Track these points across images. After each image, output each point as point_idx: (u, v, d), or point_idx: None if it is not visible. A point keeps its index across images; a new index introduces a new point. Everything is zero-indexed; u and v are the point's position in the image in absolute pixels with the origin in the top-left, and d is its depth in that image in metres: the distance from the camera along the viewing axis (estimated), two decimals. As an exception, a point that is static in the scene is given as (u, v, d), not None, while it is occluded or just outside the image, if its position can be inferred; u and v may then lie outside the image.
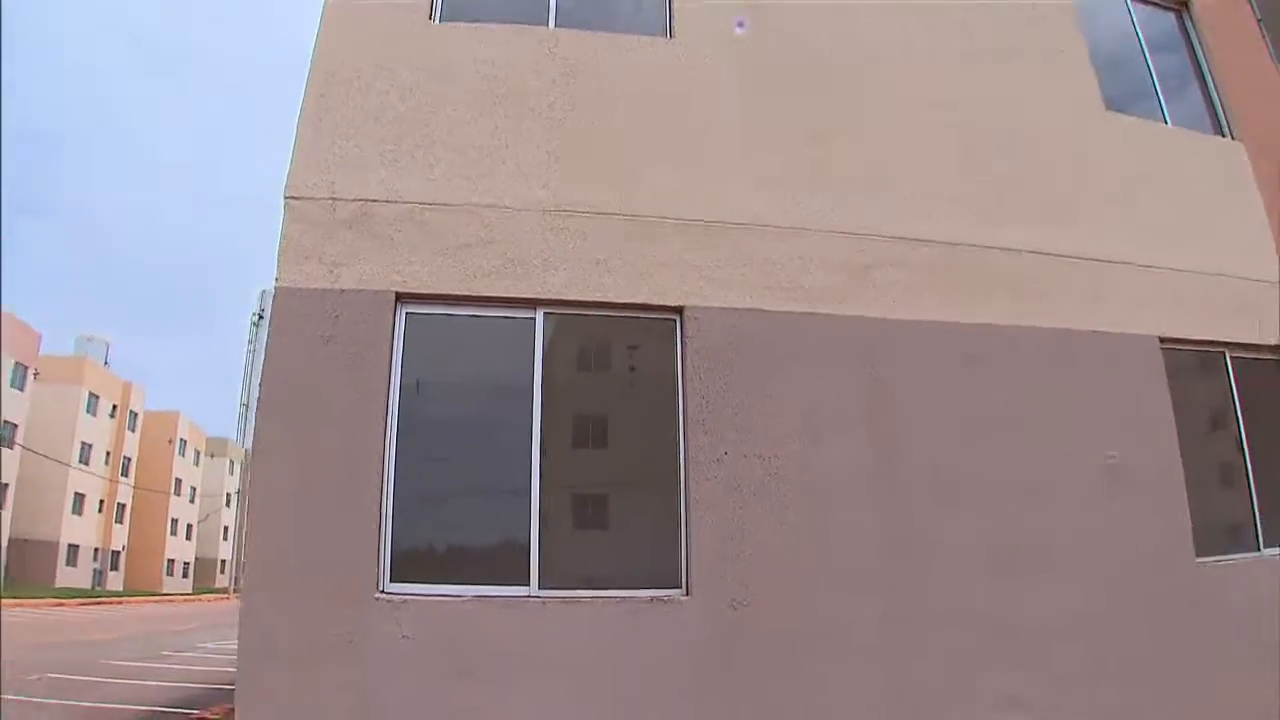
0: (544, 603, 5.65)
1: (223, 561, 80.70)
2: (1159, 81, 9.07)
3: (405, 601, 5.54)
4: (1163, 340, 7.70)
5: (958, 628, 6.32)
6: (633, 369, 6.71)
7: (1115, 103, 8.52)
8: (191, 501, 75.47)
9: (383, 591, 5.57)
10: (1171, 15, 9.69)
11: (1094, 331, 7.40)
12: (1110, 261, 7.68)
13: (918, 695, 6.12)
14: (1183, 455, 7.56)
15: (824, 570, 6.09)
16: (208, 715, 10.00)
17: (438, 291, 5.99)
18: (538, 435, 5.94)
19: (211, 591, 67.18)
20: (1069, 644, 6.62)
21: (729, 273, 6.42)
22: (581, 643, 5.61)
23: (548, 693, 5.52)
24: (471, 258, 6.05)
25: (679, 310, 6.30)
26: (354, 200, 6.07)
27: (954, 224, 7.22)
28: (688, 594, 5.84)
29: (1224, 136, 9.14)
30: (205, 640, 20.92)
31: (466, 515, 6.08)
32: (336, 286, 5.91)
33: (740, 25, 7.60)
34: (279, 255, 5.95)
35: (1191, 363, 8.09)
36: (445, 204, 6.14)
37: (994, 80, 7.94)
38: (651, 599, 5.79)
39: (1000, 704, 6.29)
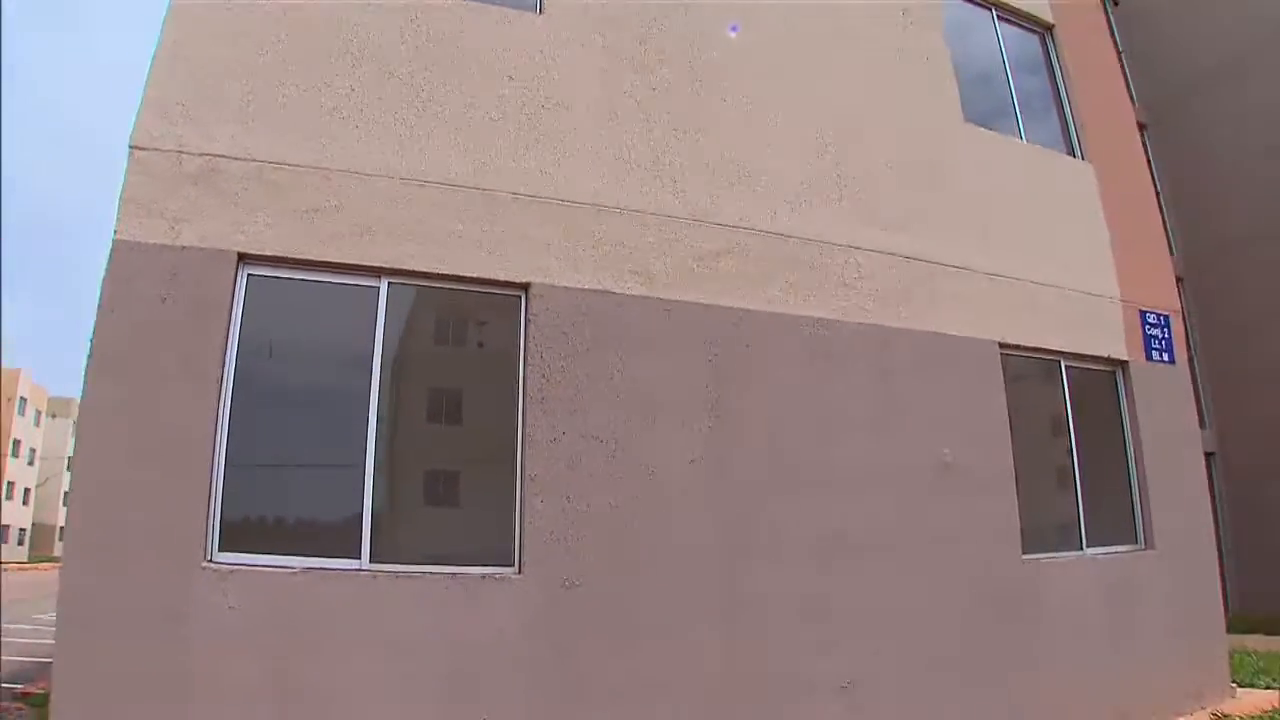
0: (374, 576, 5.54)
1: (61, 528, 76.95)
2: (1019, 99, 9.42)
3: (233, 571, 5.35)
4: (1002, 346, 8.04)
5: (789, 613, 6.47)
6: (481, 345, 6.64)
7: (975, 116, 8.83)
8: (30, 464, 71.79)
9: (210, 561, 5.37)
10: (1036, 38, 10.07)
11: (936, 333, 7.67)
12: (957, 267, 7.98)
13: (750, 677, 6.24)
14: (1020, 457, 7.90)
15: (658, 553, 6.13)
16: (33, 690, 9.55)
17: (282, 254, 5.79)
18: (375, 407, 5.80)
19: (50, 560, 64.14)
20: (898, 631, 6.88)
21: (577, 252, 6.39)
22: (412, 618, 5.51)
23: (377, 667, 5.41)
24: (319, 221, 5.86)
25: (525, 287, 6.24)
26: (201, 155, 5.82)
27: (806, 220, 7.36)
28: (520, 572, 5.81)
29: (1076, 157, 9.56)
30: (39, 612, 19.98)
31: (301, 485, 5.91)
32: (177, 243, 5.66)
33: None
34: (119, 207, 5.67)
35: (1036, 369, 8.46)
36: (295, 165, 5.92)
37: (858, 83, 8.12)
38: (484, 576, 5.73)
39: (831, 687, 6.48)
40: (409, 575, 5.59)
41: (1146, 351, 9.08)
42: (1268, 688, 9.27)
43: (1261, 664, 10.50)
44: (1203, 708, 8.39)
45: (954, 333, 7.75)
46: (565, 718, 5.71)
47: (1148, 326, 9.18)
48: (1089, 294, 8.82)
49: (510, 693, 5.62)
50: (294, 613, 5.39)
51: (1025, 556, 7.65)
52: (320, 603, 5.43)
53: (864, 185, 7.77)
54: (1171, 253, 17.97)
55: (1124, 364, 8.96)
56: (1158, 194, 17.91)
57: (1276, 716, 7.61)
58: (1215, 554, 9.31)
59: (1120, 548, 8.55)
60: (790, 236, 7.21)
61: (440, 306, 6.37)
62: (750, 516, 6.49)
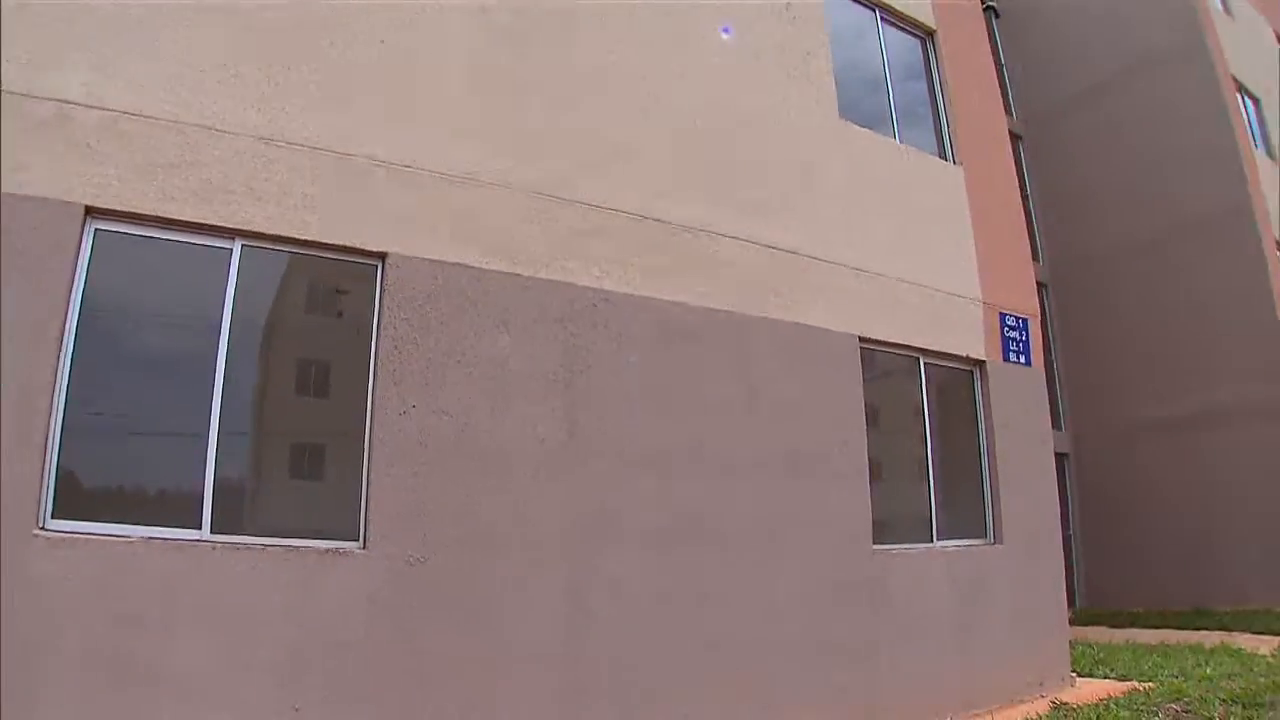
0: (214, 548, 5.35)
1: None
2: (896, 100, 9.64)
3: (67, 539, 5.12)
4: (862, 340, 8.23)
5: (640, 597, 6.48)
6: (340, 315, 6.45)
7: (851, 114, 8.99)
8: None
9: (42, 528, 5.12)
10: (918, 42, 10.30)
11: (798, 324, 7.78)
12: (822, 260, 8.13)
13: (598, 660, 6.23)
14: (876, 450, 8.10)
15: (506, 533, 6.07)
16: None
17: (132, 209, 5.51)
18: (222, 374, 5.61)
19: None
20: (749, 617, 6.96)
21: (438, 224, 6.26)
22: (251, 592, 5.34)
23: (214, 642, 5.22)
24: (173, 177, 5.61)
25: (381, 256, 6.07)
26: (52, 100, 5.53)
27: (674, 205, 7.36)
28: (364, 547, 5.67)
29: (947, 161, 9.83)
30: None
31: (142, 452, 5.68)
32: (21, 192, 5.39)
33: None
34: (-40, 152, 5.36)
35: (895, 364, 8.68)
36: (151, 117, 5.64)
37: (736, 73, 8.16)
38: (326, 550, 5.58)
39: (673, 672, 6.52)
40: (249, 547, 5.41)
41: (1004, 353, 9.41)
42: (1105, 677, 9.66)
43: (1101, 655, 10.97)
44: (1044, 695, 8.73)
45: (815, 324, 7.88)
46: (406, 697, 5.59)
47: (1007, 329, 9.50)
48: (951, 294, 9.11)
49: (350, 671, 5.47)
50: (131, 583, 5.17)
51: (876, 547, 7.85)
52: (158, 574, 5.22)
53: (734, 174, 7.83)
54: (1038, 260, 18.70)
55: (981, 364, 9.26)
56: (1027, 203, 18.60)
57: (1112, 705, 7.89)
58: (1061, 550, 9.72)
59: (970, 541, 8.85)
60: (657, 220, 7.22)
61: (297, 273, 6.16)
62: (603, 499, 6.47)
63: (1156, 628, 14.04)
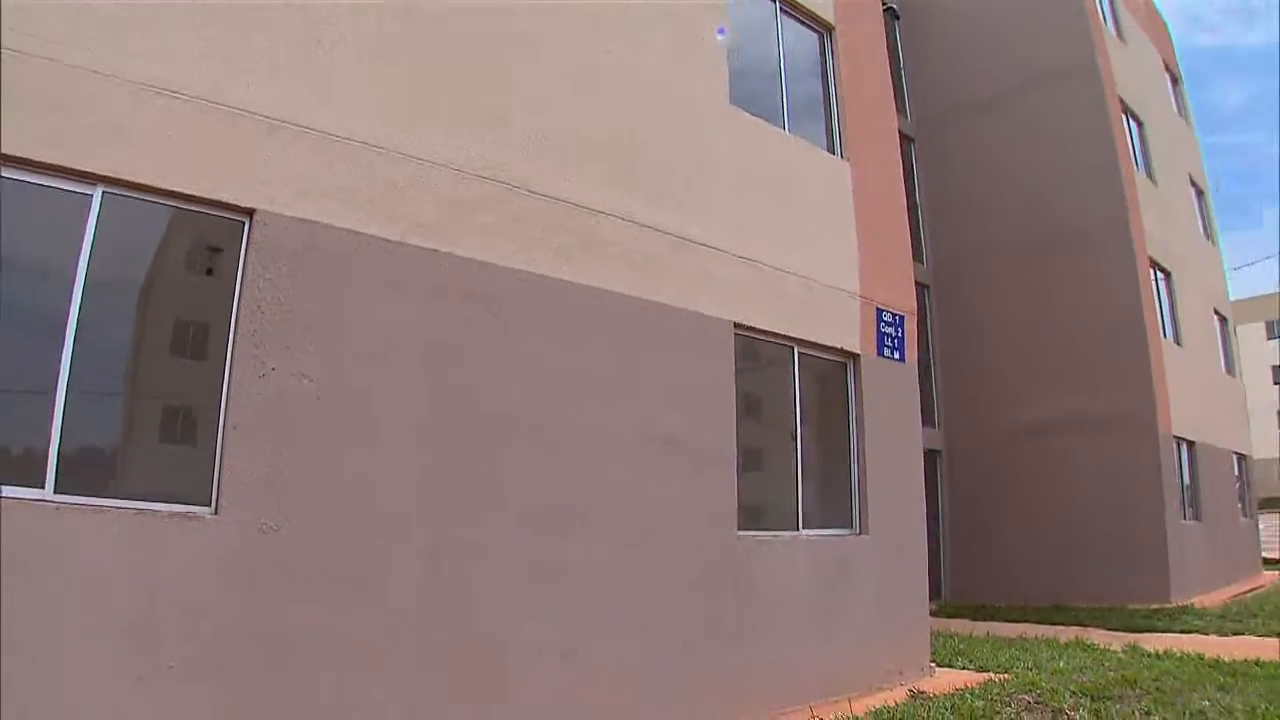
0: (58, 509, 5.11)
1: None
2: (789, 92, 9.73)
3: (-109, 495, 4.85)
4: (738, 327, 8.30)
5: (507, 575, 6.42)
6: (209, 272, 6.22)
7: (744, 103, 9.03)
8: None
9: None
10: (815, 36, 10.42)
11: (676, 307, 7.81)
12: (705, 245, 8.17)
13: (460, 637, 6.14)
14: (746, 437, 8.20)
15: (368, 503, 5.92)
16: None
17: (-12, 148, 5.25)
18: (73, 328, 5.35)
19: None
20: (615, 600, 6.98)
21: (312, 184, 6.02)
22: (96, 555, 5.09)
23: (59, 604, 4.99)
24: (38, 116, 5.33)
25: (250, 213, 5.81)
26: (-105, 31, 5.22)
27: (565, 182, 7.29)
28: (217, 513, 5.46)
29: (835, 155, 9.97)
30: None
31: (-16, 407, 5.43)
32: None
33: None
34: None
35: (770, 353, 8.79)
36: (17, 51, 5.35)
37: (633, 55, 8.11)
38: (175, 515, 5.33)
39: (545, 653, 6.49)
40: (96, 510, 5.17)
41: (879, 347, 9.62)
42: (964, 668, 9.97)
43: (961, 647, 11.30)
44: (903, 684, 8.98)
45: (693, 309, 7.92)
46: (257, 668, 5.41)
47: (883, 324, 9.71)
48: (830, 287, 9.27)
49: (199, 639, 5.26)
50: (-33, 543, 4.94)
51: (742, 533, 7.94)
52: (-1, 533, 4.99)
53: (623, 155, 7.80)
54: (922, 261, 19.18)
55: (856, 357, 9.45)
56: (915, 204, 19.07)
57: (967, 695, 8.13)
58: (924, 543, 9.97)
59: (836, 531, 9.05)
60: (544, 195, 7.13)
61: (173, 228, 5.90)
62: (473, 474, 6.38)
63: (1017, 622, 14.52)
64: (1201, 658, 9.99)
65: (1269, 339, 76.02)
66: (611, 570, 7.01)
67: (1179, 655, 10.21)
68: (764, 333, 8.60)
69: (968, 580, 18.16)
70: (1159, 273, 18.85)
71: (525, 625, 6.45)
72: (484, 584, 6.32)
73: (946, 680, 9.19)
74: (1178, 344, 19.01)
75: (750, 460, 8.44)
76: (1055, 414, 17.67)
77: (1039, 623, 14.35)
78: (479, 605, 6.26)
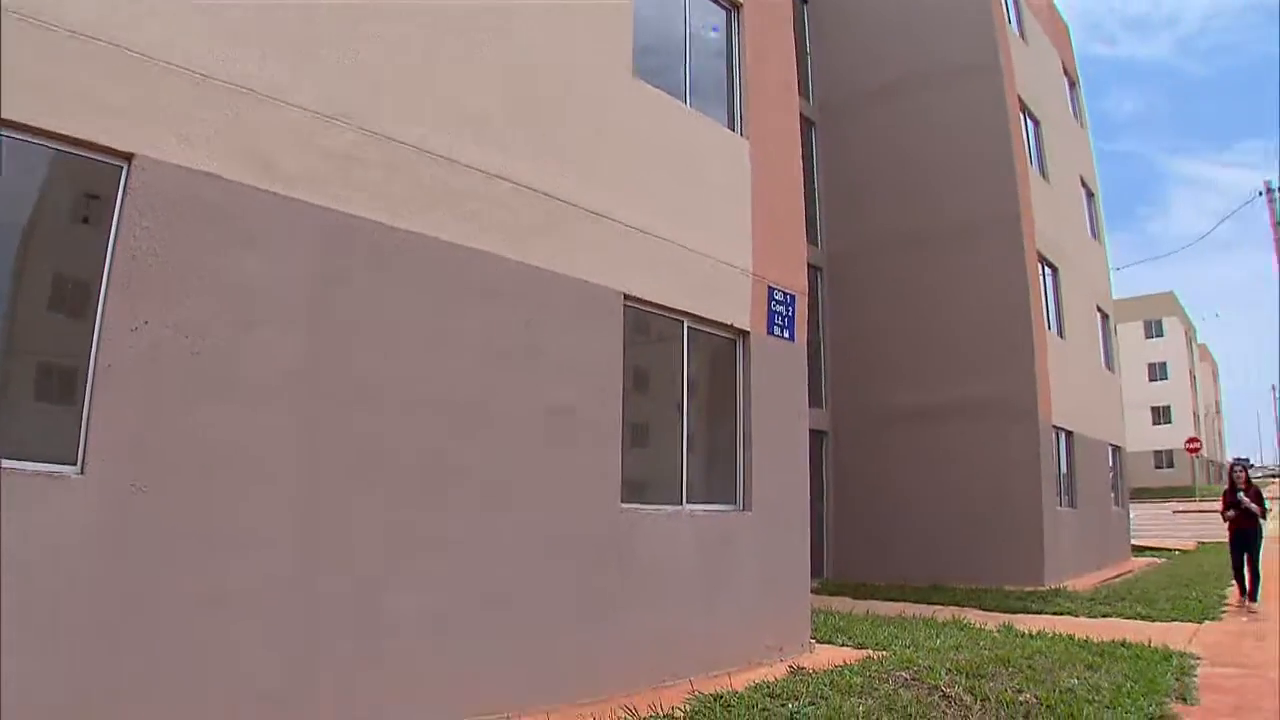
0: (-85, 467, 4.83)
1: None
2: (692, 66, 9.71)
3: None
4: (628, 298, 8.28)
5: (378, 542, 6.28)
6: (85, 220, 5.92)
7: (648, 75, 8.99)
8: None
9: None
10: (724, 13, 10.41)
11: (565, 275, 7.71)
12: (599, 214, 8.11)
13: (329, 603, 5.99)
14: (632, 410, 8.20)
15: (240, 464, 5.71)
16: None
17: None
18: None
19: None
20: (491, 569, 6.90)
21: (194, 129, 5.73)
22: None
23: None
24: None
25: (128, 158, 5.50)
26: None
27: (452, 140, 7.11)
28: (83, 472, 5.20)
29: (735, 132, 10.01)
30: None
31: None
32: None
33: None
34: None
35: (660, 326, 8.82)
36: None
37: (536, 17, 7.94)
38: (38, 474, 5.03)
39: (411, 618, 6.38)
40: (-50, 467, 4.90)
41: (769, 326, 9.72)
42: (843, 645, 10.18)
43: (842, 624, 11.53)
44: (783, 660, 9.12)
45: (583, 277, 7.85)
46: (125, 634, 5.18)
47: (774, 303, 9.81)
48: (722, 262, 9.32)
49: (61, 603, 5.01)
50: None
51: (625, 506, 7.97)
52: None
53: (519, 117, 7.66)
54: (817, 244, 19.44)
55: (745, 334, 9.55)
56: (813, 187, 19.32)
57: (846, 670, 8.27)
58: (807, 521, 10.14)
59: (720, 506, 9.14)
60: (432, 154, 6.95)
61: (42, 171, 5.57)
62: (345, 438, 6.20)
63: (896, 601, 14.90)
64: (1072, 638, 10.36)
65: (1147, 338, 79.53)
66: (488, 539, 6.92)
67: (1050, 635, 10.56)
68: (655, 306, 8.61)
69: (849, 559, 18.61)
70: (1047, 268, 19.43)
71: (397, 593, 6.32)
72: (356, 549, 6.16)
73: (826, 656, 9.35)
74: (1061, 337, 19.64)
75: (637, 434, 8.47)
76: (940, 400, 18.15)
77: (917, 602, 14.72)
78: (351, 571, 6.11)
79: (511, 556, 7.06)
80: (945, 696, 7.52)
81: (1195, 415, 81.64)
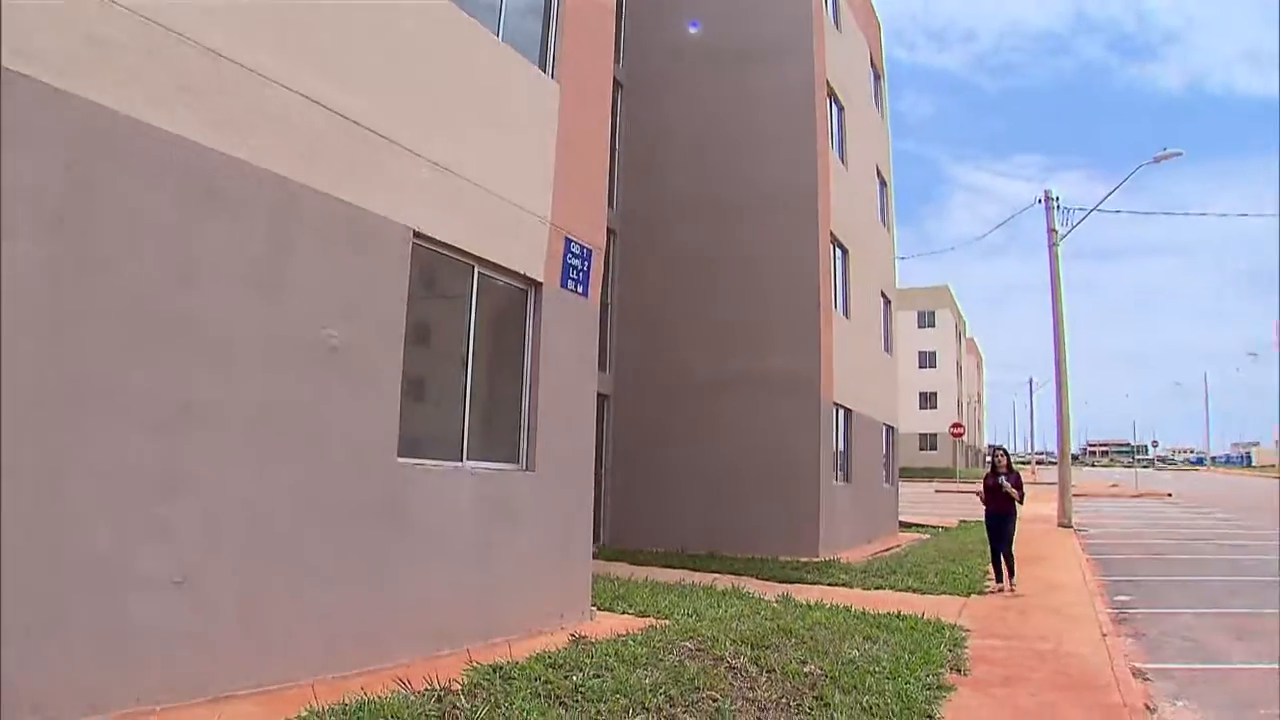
0: None
1: None
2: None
3: None
4: (418, 236, 7.58)
5: (123, 489, 5.37)
6: None
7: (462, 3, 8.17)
8: None
9: None
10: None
11: (348, 203, 6.91)
12: (394, 142, 7.33)
13: (75, 552, 5.09)
14: (413, 357, 7.54)
15: None
16: None
17: None
18: None
19: None
20: (251, 522, 6.11)
21: None
22: None
23: None
24: None
25: None
26: None
27: (236, 39, 6.09)
28: None
29: (546, 75, 9.42)
30: None
31: None
32: None
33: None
34: None
35: (448, 270, 8.18)
36: None
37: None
38: None
39: (165, 579, 5.55)
40: None
41: (563, 279, 9.24)
42: (624, 613, 9.87)
43: (622, 591, 11.27)
44: (564, 628, 8.76)
45: (370, 208, 7.09)
46: None
47: (570, 255, 9.34)
48: (520, 208, 8.75)
49: None
50: None
51: (400, 460, 7.32)
52: None
53: (314, 26, 6.72)
54: (612, 206, 19.16)
55: (538, 285, 9.03)
56: (614, 148, 19.00)
57: (630, 640, 7.96)
58: (591, 484, 9.78)
59: (502, 465, 8.64)
60: (211, 51, 5.92)
61: None
62: (85, 367, 5.23)
63: (675, 568, 14.81)
64: (849, 610, 10.47)
65: (919, 327, 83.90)
66: (246, 489, 6.09)
67: (829, 607, 10.64)
68: (446, 247, 7.94)
69: (627, 526, 18.49)
70: (838, 248, 19.78)
71: (143, 547, 5.45)
72: (97, 497, 5.24)
73: (608, 625, 9.08)
74: (846, 318, 20.09)
75: (418, 385, 7.83)
76: (725, 370, 18.21)
77: (696, 570, 14.69)
78: (92, 522, 5.20)
79: (272, 508, 6.26)
80: (731, 668, 7.36)
81: (960, 402, 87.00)
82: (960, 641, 9.28)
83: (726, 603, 10.70)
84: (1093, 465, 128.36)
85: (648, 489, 18.45)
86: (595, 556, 15.90)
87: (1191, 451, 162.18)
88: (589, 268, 9.60)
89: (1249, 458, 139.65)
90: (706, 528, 17.33)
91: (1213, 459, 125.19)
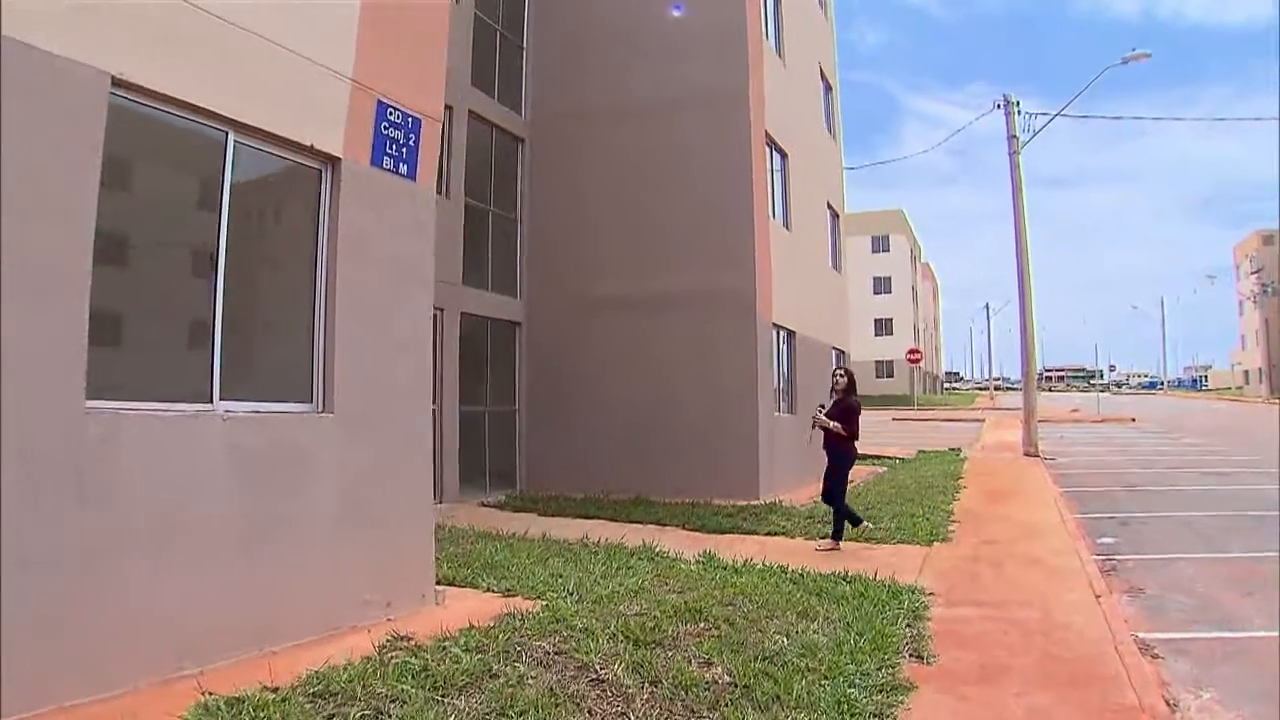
0: None
1: None
2: None
3: None
4: (120, 84, 5.08)
5: None
6: None
7: None
8: None
9: None
10: None
11: (17, 40, 4.52)
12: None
13: None
14: (128, 253, 5.20)
15: None
16: None
17: None
18: None
19: None
20: None
21: None
22: None
23: None
24: None
25: None
26: None
27: None
28: None
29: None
30: None
31: None
32: None
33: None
34: None
35: (181, 134, 5.69)
36: None
37: None
38: None
39: None
40: None
41: (375, 154, 6.77)
42: (488, 590, 7.66)
43: (500, 556, 9.03)
44: (390, 619, 6.59)
45: (45, 46, 4.68)
46: None
47: (386, 124, 6.86)
48: (306, 58, 6.22)
49: None
50: None
51: (95, 404, 4.91)
52: None
53: None
54: (520, 111, 16.76)
55: (335, 161, 6.56)
56: (523, 46, 16.66)
57: (461, 639, 5.87)
58: (428, 429, 7.40)
59: (280, 405, 6.23)
60: None
61: None
62: None
63: (590, 518, 12.73)
64: (784, 571, 8.45)
65: (873, 252, 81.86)
66: None
67: (760, 568, 8.60)
68: (176, 104, 5.46)
69: (544, 469, 16.28)
70: (775, 151, 17.33)
71: None
72: None
73: (457, 610, 6.92)
74: (787, 229, 17.71)
75: (130, 295, 5.43)
76: (651, 289, 15.81)
77: (614, 519, 12.59)
78: None
79: None
80: (598, 681, 5.29)
81: (916, 328, 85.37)
82: (922, 611, 7.20)
83: (629, 570, 8.52)
84: (1049, 390, 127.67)
85: (567, 427, 16.19)
86: (500, 506, 13.84)
87: (1145, 376, 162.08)
88: (416, 142, 7.13)
89: (1204, 380, 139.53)
90: (632, 469, 14.98)
91: (1165, 383, 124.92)
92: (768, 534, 11.35)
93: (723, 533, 11.45)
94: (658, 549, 9.54)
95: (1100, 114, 79.89)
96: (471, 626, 6.28)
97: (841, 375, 11.08)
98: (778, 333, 16.63)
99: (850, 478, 11.14)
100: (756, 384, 14.96)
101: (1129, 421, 44.42)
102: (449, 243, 14.69)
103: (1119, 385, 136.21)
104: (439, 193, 14.84)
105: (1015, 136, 25.54)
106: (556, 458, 16.18)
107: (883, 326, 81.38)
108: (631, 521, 12.37)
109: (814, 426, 10.88)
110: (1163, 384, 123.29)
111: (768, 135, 16.47)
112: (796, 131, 18.55)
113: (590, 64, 16.98)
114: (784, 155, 17.73)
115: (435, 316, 14.49)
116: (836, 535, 10.59)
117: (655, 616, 6.55)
